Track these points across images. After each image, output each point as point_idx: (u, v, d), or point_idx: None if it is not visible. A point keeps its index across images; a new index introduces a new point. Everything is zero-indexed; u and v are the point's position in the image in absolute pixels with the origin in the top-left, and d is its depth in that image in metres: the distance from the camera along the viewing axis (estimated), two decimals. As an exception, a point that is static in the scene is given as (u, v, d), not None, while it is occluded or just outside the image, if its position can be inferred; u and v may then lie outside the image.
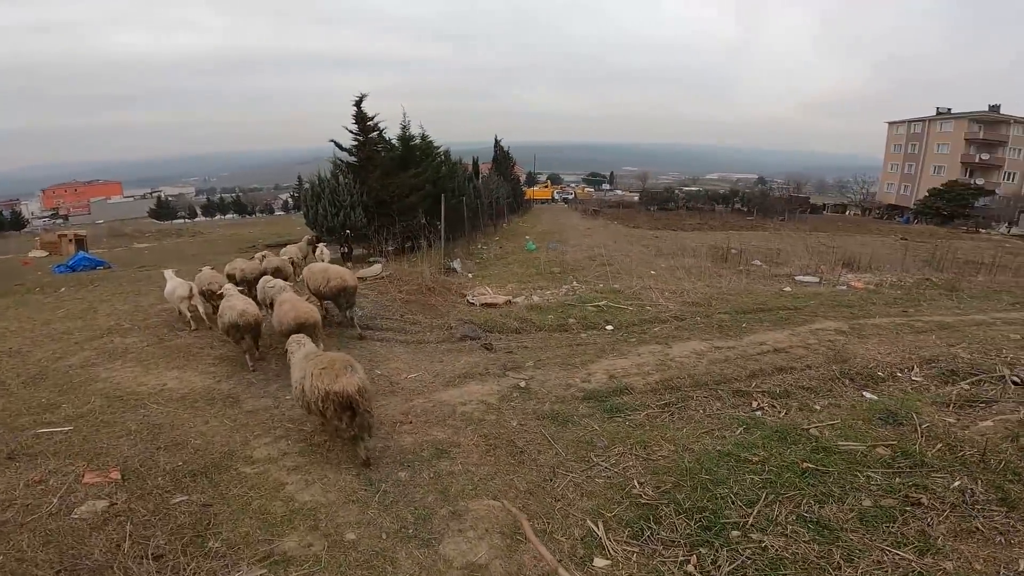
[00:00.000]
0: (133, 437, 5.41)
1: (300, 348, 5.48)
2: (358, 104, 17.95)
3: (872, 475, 4.62)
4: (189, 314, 8.96)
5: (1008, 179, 50.71)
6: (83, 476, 4.66)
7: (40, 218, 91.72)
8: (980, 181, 49.90)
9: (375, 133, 18.17)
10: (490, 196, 30.82)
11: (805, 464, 4.79)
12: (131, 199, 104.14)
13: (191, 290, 8.85)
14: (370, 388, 4.82)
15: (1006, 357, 7.60)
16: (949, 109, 54.89)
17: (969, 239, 35.03)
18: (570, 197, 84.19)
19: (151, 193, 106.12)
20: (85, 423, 5.66)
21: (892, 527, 3.96)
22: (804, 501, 4.28)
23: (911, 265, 17.91)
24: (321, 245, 14.55)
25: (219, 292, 8.12)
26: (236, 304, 7.14)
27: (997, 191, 48.89)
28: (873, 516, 4.08)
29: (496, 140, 43.82)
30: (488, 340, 8.39)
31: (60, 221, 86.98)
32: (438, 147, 21.82)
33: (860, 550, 3.73)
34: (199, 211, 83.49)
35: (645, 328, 9.24)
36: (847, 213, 62.04)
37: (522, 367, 7.35)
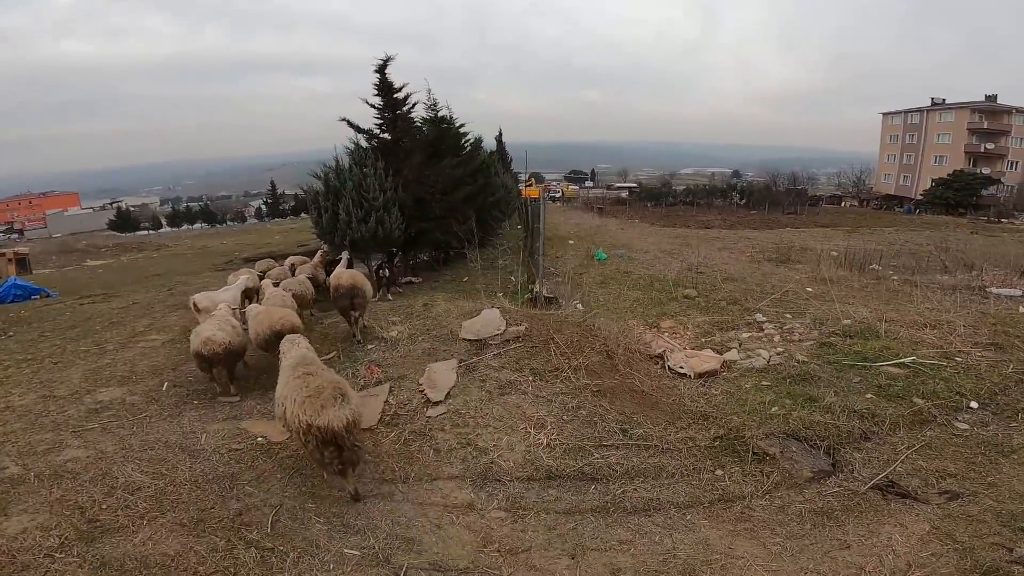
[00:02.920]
0: None
1: (293, 348, 4.52)
2: (381, 71, 12.98)
3: None
4: None
5: (1012, 168, 48.61)
6: None
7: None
8: (986, 170, 47.57)
9: (404, 108, 13.25)
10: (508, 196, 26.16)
11: None
12: (90, 210, 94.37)
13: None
14: (361, 419, 3.78)
15: None
16: (944, 100, 52.64)
17: (1002, 231, 32.10)
18: (557, 195, 79.97)
19: (111, 204, 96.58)
20: None
21: None
22: None
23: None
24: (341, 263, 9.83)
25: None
26: (203, 330, 5.48)
27: (1003, 180, 46.72)
28: None
29: (499, 135, 38.91)
30: (873, 475, 3.72)
31: (16, 236, 77.56)
32: (466, 133, 16.88)
33: None
34: (164, 222, 75.46)
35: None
36: (843, 204, 59.47)
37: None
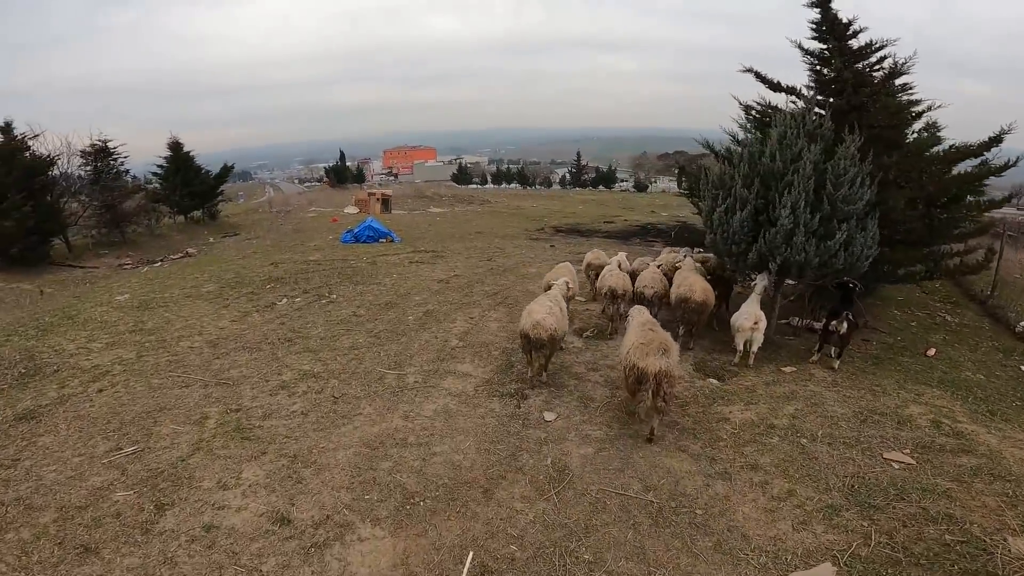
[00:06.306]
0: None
1: (640, 314, 5.11)
2: (823, 3, 7.73)
3: None
4: None
5: None
6: None
7: (379, 174, 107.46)
8: None
9: (865, 63, 7.75)
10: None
11: None
12: (441, 163, 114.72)
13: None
14: (675, 374, 4.22)
15: None
16: None
17: None
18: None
19: (455, 160, 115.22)
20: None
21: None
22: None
23: None
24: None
25: None
26: (535, 310, 5.25)
27: None
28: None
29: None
30: None
31: (392, 178, 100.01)
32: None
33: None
34: (489, 179, 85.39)
35: None
36: None
37: None
